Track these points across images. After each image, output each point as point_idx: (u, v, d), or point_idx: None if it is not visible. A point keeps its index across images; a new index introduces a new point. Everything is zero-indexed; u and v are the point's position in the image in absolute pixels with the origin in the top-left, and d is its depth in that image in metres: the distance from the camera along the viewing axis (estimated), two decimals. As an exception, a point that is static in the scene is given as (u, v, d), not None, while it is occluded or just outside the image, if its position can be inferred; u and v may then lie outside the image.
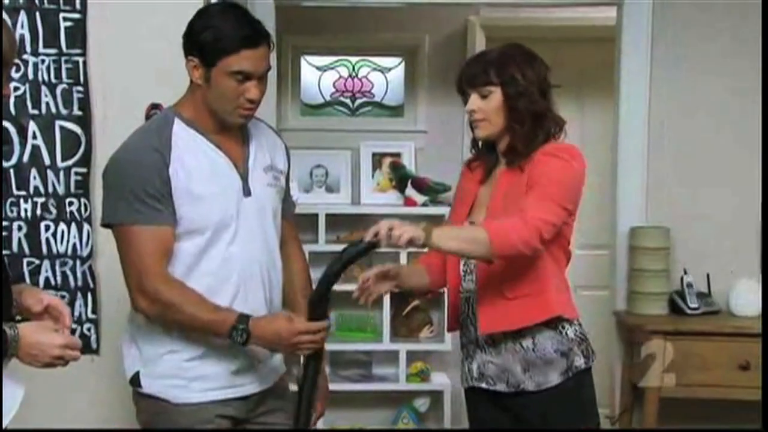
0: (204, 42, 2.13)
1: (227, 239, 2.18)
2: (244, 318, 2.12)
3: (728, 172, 3.74)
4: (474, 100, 2.25)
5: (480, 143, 2.36)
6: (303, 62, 4.75)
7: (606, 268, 4.09)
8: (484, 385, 2.32)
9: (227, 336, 2.11)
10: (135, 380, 2.25)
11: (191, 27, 2.20)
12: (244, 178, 2.24)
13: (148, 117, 2.73)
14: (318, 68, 4.77)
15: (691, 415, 3.67)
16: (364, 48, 4.74)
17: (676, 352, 3.44)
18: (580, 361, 2.30)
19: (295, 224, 2.48)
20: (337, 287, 4.48)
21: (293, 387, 2.35)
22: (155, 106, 2.73)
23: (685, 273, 3.67)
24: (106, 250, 2.81)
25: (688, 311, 3.61)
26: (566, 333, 2.30)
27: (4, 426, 1.78)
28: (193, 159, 2.17)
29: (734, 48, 3.71)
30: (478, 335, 2.30)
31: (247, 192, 2.23)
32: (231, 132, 2.26)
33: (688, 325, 3.51)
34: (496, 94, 2.22)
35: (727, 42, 3.71)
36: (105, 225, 2.22)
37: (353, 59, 4.76)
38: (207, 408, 2.19)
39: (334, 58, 4.77)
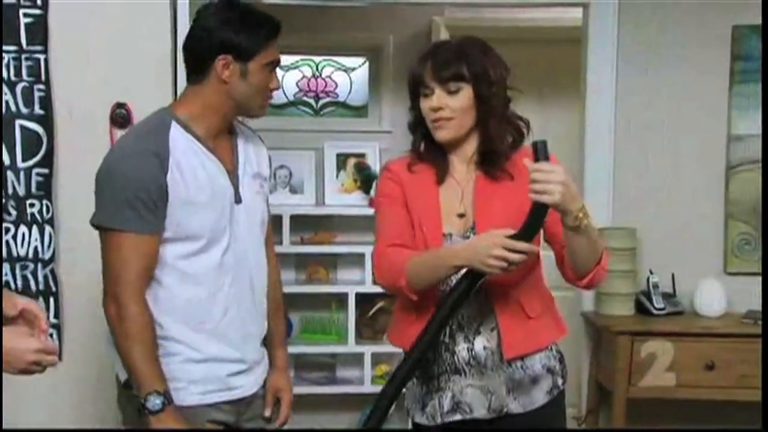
0: (239, 37, 2.11)
1: (222, 247, 2.15)
2: (166, 394, 2.07)
3: (694, 173, 3.77)
4: (440, 96, 2.02)
5: (422, 144, 2.13)
6: (267, 61, 4.69)
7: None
8: (458, 417, 2.11)
9: (143, 396, 2.05)
10: (129, 383, 2.18)
11: (216, 27, 2.14)
12: (235, 185, 2.20)
13: (112, 117, 2.66)
14: (281, 68, 4.68)
15: (658, 415, 3.70)
16: (327, 47, 4.69)
17: (644, 351, 3.45)
18: (560, 381, 2.18)
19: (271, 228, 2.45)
20: (301, 289, 4.44)
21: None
22: (120, 105, 2.67)
23: (651, 274, 3.69)
24: (69, 253, 2.74)
25: (654, 312, 3.62)
26: (553, 349, 2.18)
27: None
28: (190, 165, 2.12)
29: (701, 49, 3.73)
30: (458, 359, 2.09)
31: (238, 199, 2.20)
32: (223, 137, 2.22)
33: (655, 326, 3.52)
34: (467, 91, 2.02)
35: (693, 43, 3.73)
36: (94, 225, 2.18)
37: (317, 59, 4.72)
38: (200, 411, 2.15)
39: (297, 58, 4.71)
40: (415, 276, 2.00)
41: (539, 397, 2.13)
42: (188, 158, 2.12)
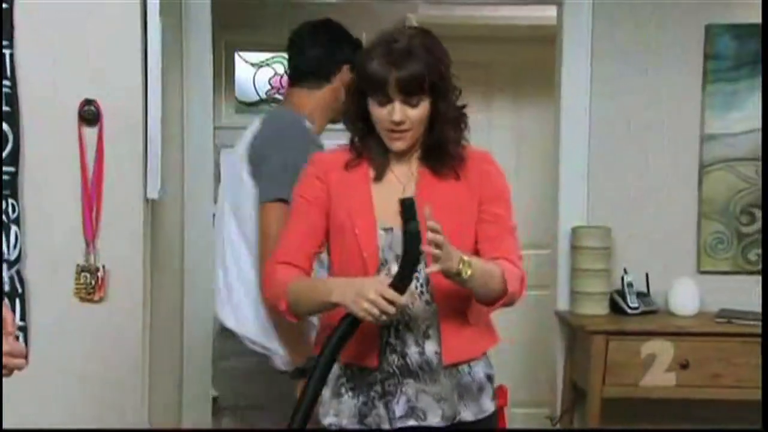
0: (354, 50, 2.42)
1: None
2: None
3: (668, 172, 3.76)
4: (403, 109, 1.95)
5: (356, 138, 2.05)
6: (237, 58, 4.63)
7: (548, 267, 4.08)
8: (412, 422, 2.01)
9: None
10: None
11: (346, 37, 2.54)
12: None
13: (81, 114, 2.59)
14: (253, 65, 4.66)
15: (632, 415, 3.69)
16: (300, 44, 4.63)
17: (617, 351, 3.45)
18: (494, 389, 2.14)
19: None
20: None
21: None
22: (89, 102, 2.60)
23: (626, 273, 3.68)
24: (36, 253, 2.67)
25: (629, 311, 3.62)
26: (488, 357, 2.13)
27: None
28: None
29: (674, 48, 3.73)
30: (410, 361, 2.00)
31: None
32: None
33: (629, 325, 3.51)
34: (426, 102, 1.96)
35: (668, 41, 3.73)
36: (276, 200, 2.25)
37: (289, 56, 4.66)
38: None
39: (270, 55, 4.66)
40: (294, 303, 1.97)
41: (487, 404, 2.08)
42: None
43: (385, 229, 2.00)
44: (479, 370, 2.07)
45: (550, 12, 3.93)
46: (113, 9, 2.64)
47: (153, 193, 2.85)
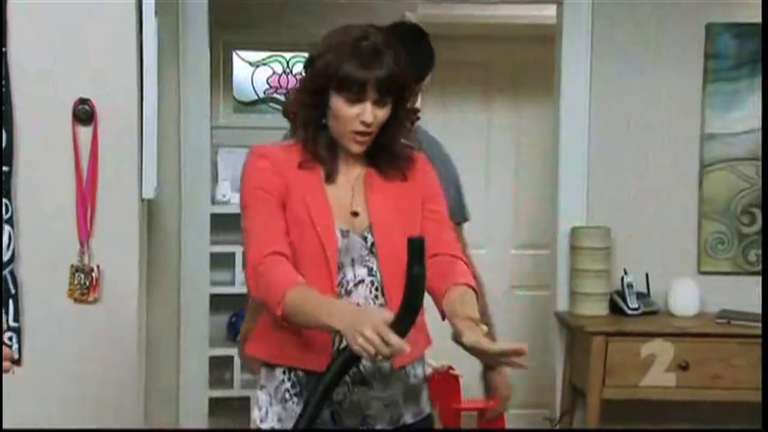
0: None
1: None
2: None
3: (668, 172, 3.74)
4: (372, 110, 1.88)
5: (310, 138, 1.96)
6: (235, 58, 4.61)
7: (547, 267, 4.06)
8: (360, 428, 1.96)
9: None
10: None
11: (430, 48, 2.54)
12: None
13: (75, 113, 2.56)
14: (251, 64, 4.64)
15: (631, 416, 3.67)
16: (298, 43, 4.60)
17: (616, 352, 3.42)
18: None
19: None
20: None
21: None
22: (83, 101, 2.57)
23: (625, 273, 3.66)
24: (30, 254, 2.65)
25: (629, 311, 3.59)
26: (424, 356, 2.08)
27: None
28: None
29: (674, 47, 3.71)
30: (363, 368, 1.92)
31: None
32: None
33: (628, 326, 3.49)
34: (390, 104, 1.91)
35: (667, 41, 3.71)
36: None
37: (287, 55, 4.64)
38: None
39: (268, 54, 4.63)
40: (291, 314, 1.82)
41: (425, 405, 2.06)
42: None
43: (342, 232, 1.94)
44: (420, 369, 2.04)
45: (550, 11, 3.90)
46: (109, 8, 2.62)
47: (148, 193, 2.82)
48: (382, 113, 1.91)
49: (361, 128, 1.90)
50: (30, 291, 2.71)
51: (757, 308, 3.55)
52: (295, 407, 1.93)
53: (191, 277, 3.62)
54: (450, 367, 4.45)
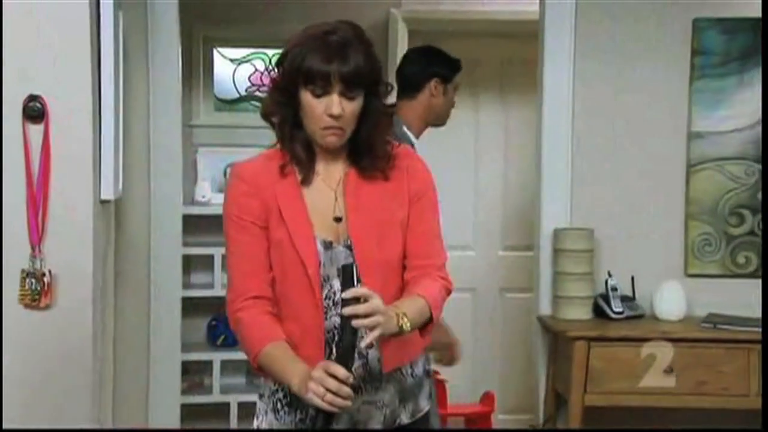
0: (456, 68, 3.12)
1: None
2: None
3: (654, 171, 3.64)
4: (340, 102, 1.85)
5: (285, 139, 1.93)
6: (216, 54, 4.52)
7: (532, 269, 3.95)
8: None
9: None
10: None
11: (441, 56, 3.11)
12: None
13: (25, 110, 2.47)
14: (232, 61, 4.54)
15: (614, 424, 3.57)
16: (281, 40, 4.43)
17: (599, 358, 3.32)
18: (432, 384, 2.13)
19: None
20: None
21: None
22: (33, 98, 2.48)
23: (610, 276, 3.55)
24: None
25: (613, 315, 3.49)
26: (427, 353, 2.09)
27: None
28: None
29: (660, 43, 3.60)
30: (354, 375, 1.85)
31: None
32: None
33: (612, 331, 3.38)
34: (361, 97, 1.88)
35: (652, 37, 3.60)
36: None
37: (270, 52, 4.54)
38: None
39: (250, 51, 4.54)
40: (263, 366, 1.89)
41: (423, 402, 2.05)
42: None
43: (324, 244, 1.91)
44: (419, 368, 2.02)
45: (535, 6, 3.79)
46: (62, 1, 2.52)
47: (108, 194, 2.73)
48: (351, 106, 1.87)
49: (331, 122, 1.87)
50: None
51: (745, 312, 3.46)
52: (286, 417, 1.95)
53: (162, 281, 3.53)
54: (435, 372, 4.37)
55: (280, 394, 1.96)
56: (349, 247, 1.90)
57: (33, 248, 2.48)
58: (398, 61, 4.52)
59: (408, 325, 1.81)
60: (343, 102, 1.86)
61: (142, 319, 3.52)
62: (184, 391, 4.07)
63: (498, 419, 4.49)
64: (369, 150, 1.94)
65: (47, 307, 2.49)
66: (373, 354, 1.92)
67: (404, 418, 2.00)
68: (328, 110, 1.85)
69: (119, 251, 3.39)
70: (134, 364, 3.50)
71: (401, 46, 4.49)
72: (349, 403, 1.74)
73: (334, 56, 1.84)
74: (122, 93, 3.09)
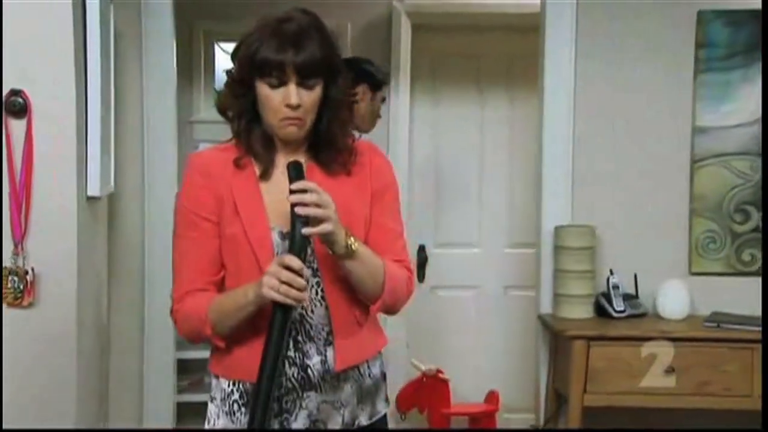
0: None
1: None
2: None
3: (657, 167, 3.56)
4: (297, 91, 1.80)
5: (242, 133, 1.88)
6: (217, 50, 4.48)
7: (534, 267, 3.88)
8: None
9: None
10: None
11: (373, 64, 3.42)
12: None
13: (7, 105, 2.43)
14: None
15: (615, 425, 3.50)
16: (282, 35, 4.47)
17: (599, 358, 3.25)
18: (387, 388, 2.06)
19: None
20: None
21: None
22: (15, 93, 2.44)
23: (612, 274, 3.48)
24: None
25: (614, 314, 3.42)
26: (382, 355, 2.03)
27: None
28: None
29: (664, 36, 3.52)
30: (312, 373, 1.88)
31: None
32: None
33: (612, 330, 3.31)
34: (319, 87, 1.83)
35: (656, 30, 3.52)
36: None
37: (271, 47, 4.50)
38: None
39: (251, 46, 4.49)
40: (218, 322, 1.82)
41: (381, 405, 2.01)
42: None
43: (282, 234, 1.86)
44: (376, 368, 1.99)
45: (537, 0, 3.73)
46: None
47: (94, 191, 2.69)
48: (310, 96, 1.83)
49: (289, 113, 1.82)
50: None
51: (750, 310, 3.38)
52: (243, 418, 1.89)
53: (156, 278, 3.48)
54: (439, 371, 4.32)
55: (236, 395, 1.91)
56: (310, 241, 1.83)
57: (15, 245, 2.44)
58: (402, 56, 4.54)
59: (356, 245, 1.78)
60: (301, 92, 1.81)
61: (137, 315, 3.49)
62: (185, 390, 4.04)
63: (503, 418, 4.43)
64: (329, 141, 1.89)
65: (30, 305, 2.46)
66: (331, 354, 1.89)
67: (363, 420, 1.96)
68: (286, 100, 1.80)
69: (113, 247, 3.36)
70: (128, 359, 3.47)
71: (405, 40, 4.44)
72: (304, 295, 1.72)
73: (289, 45, 1.79)
74: (114, 87, 3.05)
